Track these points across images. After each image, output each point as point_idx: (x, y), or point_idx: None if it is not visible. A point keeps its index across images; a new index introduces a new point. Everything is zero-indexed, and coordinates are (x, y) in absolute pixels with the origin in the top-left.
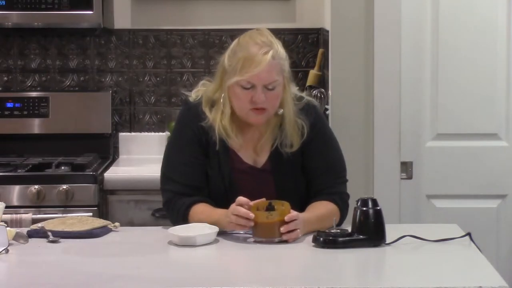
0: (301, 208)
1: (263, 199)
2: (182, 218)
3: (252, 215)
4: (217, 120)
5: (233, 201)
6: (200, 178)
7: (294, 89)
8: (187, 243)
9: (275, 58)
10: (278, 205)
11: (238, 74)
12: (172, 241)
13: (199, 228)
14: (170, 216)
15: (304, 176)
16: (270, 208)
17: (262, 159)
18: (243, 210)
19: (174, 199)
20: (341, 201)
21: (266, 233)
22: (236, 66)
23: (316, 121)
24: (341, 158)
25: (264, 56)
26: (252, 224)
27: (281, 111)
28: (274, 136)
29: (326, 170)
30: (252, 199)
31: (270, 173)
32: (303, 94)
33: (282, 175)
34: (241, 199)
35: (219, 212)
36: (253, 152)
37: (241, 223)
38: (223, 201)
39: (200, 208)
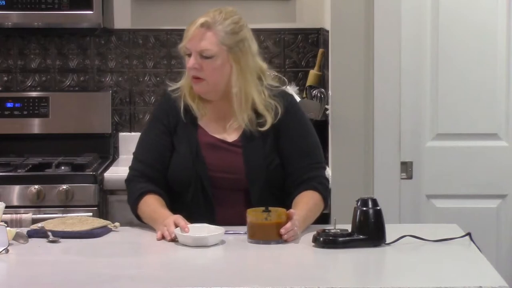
0: (270, 190)
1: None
2: (134, 202)
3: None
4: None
5: (202, 174)
6: (160, 158)
7: (270, 80)
8: (200, 244)
9: (210, 28)
10: (273, 210)
11: (182, 41)
12: (183, 243)
13: (206, 229)
14: (127, 195)
15: (276, 159)
16: (266, 211)
17: (232, 137)
18: (171, 229)
19: (133, 181)
20: (320, 185)
21: (264, 235)
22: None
23: (291, 105)
24: (318, 144)
25: (197, 23)
26: (171, 235)
27: (235, 89)
28: (244, 118)
29: (302, 154)
30: (221, 172)
31: (239, 148)
32: (283, 88)
33: (251, 150)
34: (179, 220)
35: (161, 214)
36: (222, 130)
37: (166, 236)
38: (192, 175)
39: (150, 200)
